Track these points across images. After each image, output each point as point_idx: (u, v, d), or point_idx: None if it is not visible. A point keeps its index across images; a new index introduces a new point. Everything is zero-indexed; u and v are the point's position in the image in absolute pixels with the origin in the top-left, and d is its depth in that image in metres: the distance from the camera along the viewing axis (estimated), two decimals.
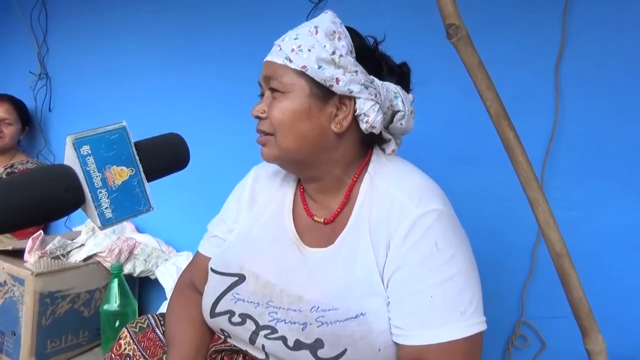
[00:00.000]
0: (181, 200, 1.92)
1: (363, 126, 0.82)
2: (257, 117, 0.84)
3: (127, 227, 1.98)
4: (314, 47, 0.78)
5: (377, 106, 0.81)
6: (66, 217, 2.27)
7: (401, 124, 0.87)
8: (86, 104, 2.20)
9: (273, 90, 0.82)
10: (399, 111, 0.86)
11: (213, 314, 0.87)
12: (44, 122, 2.32)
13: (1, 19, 2.42)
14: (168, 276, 1.68)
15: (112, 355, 0.97)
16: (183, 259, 1.75)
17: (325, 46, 0.78)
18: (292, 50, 0.79)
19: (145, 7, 1.96)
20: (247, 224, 0.93)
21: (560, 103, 1.15)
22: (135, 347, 0.95)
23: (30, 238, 1.69)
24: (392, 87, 0.85)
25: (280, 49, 0.81)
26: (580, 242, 1.13)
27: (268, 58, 0.83)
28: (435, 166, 1.07)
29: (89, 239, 1.82)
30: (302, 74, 0.79)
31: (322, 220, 0.86)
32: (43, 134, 2.32)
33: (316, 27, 0.80)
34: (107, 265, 1.72)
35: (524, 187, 0.71)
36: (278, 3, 1.69)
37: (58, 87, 2.28)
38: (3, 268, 1.60)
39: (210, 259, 0.97)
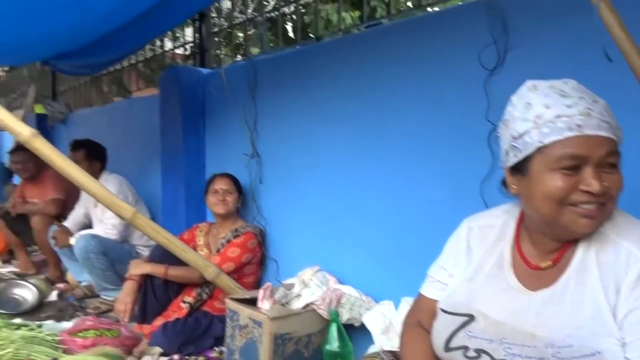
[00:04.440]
0: (377, 254, 2.17)
1: None
2: (602, 193, 0.88)
3: (330, 280, 2.28)
4: (616, 122, 0.91)
5: None
6: (276, 271, 2.68)
7: None
8: (289, 176, 2.64)
9: (611, 165, 0.89)
10: None
11: (447, 349, 1.04)
12: (257, 192, 2.81)
13: (222, 115, 3.06)
14: (375, 322, 1.89)
15: None
16: (385, 307, 1.96)
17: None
18: (611, 126, 0.89)
19: (334, 95, 2.35)
20: (468, 272, 1.10)
21: None
22: None
23: (262, 288, 2.07)
24: None
25: (609, 125, 0.89)
26: None
27: (604, 133, 0.88)
28: None
29: (303, 290, 2.15)
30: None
31: (547, 265, 0.99)
32: (255, 202, 2.81)
33: (602, 101, 0.92)
34: (321, 312, 2.02)
35: None
36: (451, 71, 1.90)
37: (267, 164, 2.78)
38: (246, 313, 1.98)
39: (434, 300, 1.15)
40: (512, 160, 0.96)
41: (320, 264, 2.38)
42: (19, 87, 6.41)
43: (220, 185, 2.67)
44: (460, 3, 2.17)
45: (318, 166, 2.47)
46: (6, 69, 6.92)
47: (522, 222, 1.06)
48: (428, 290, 1.20)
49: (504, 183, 1.06)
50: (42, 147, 1.71)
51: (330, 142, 2.40)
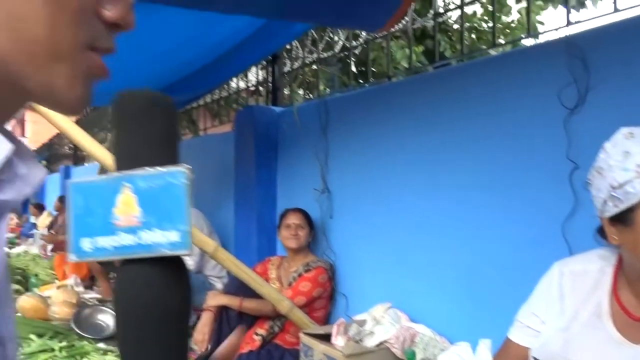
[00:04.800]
0: (451, 293, 2.14)
1: None
2: None
3: (401, 317, 2.26)
4: None
5: None
6: (345, 306, 2.69)
7: None
8: (360, 211, 2.68)
9: None
10: None
11: None
12: (327, 227, 2.87)
13: (294, 151, 3.18)
14: None
15: None
16: (462, 349, 1.92)
17: None
18: None
19: (405, 132, 2.39)
20: (563, 320, 1.08)
21: None
22: None
23: (335, 324, 2.10)
24: None
25: None
26: None
27: None
28: None
29: (375, 327, 2.15)
30: None
31: None
32: (326, 237, 2.87)
33: None
34: (395, 351, 2.01)
35: None
36: (529, 110, 1.89)
37: (337, 199, 2.84)
38: (320, 349, 2.01)
39: (524, 347, 1.13)
40: (612, 210, 0.95)
41: (391, 301, 2.37)
42: (99, 123, 6.94)
43: (293, 219, 2.75)
44: (535, 42, 2.17)
45: (389, 202, 2.49)
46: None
47: (620, 270, 1.04)
48: (517, 336, 1.18)
49: (600, 232, 1.04)
50: None
51: (402, 178, 2.42)
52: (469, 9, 4.88)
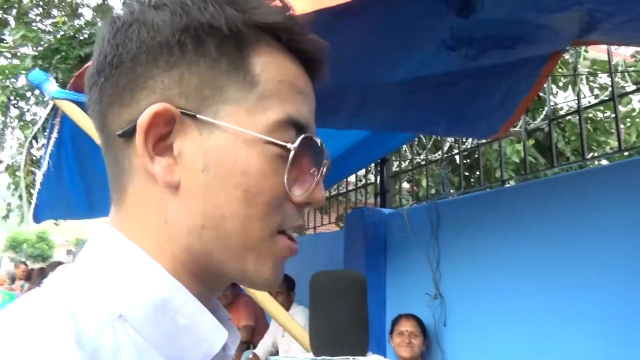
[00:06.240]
0: None
1: None
2: None
3: None
4: None
5: None
6: None
7: None
8: (477, 320, 2.52)
9: None
10: None
11: None
12: (440, 336, 2.73)
13: (403, 254, 3.15)
14: None
15: None
16: None
17: None
18: None
19: (525, 238, 2.28)
20: None
21: None
22: None
23: None
24: None
25: None
26: None
27: None
28: None
29: None
30: None
31: None
32: (440, 346, 2.72)
33: None
34: None
35: None
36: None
37: (451, 306, 2.71)
38: None
39: None
40: None
41: None
42: None
43: (407, 327, 2.66)
44: None
45: (509, 312, 2.33)
46: None
47: None
48: None
49: None
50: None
51: (523, 288, 2.27)
52: (584, 101, 4.70)
